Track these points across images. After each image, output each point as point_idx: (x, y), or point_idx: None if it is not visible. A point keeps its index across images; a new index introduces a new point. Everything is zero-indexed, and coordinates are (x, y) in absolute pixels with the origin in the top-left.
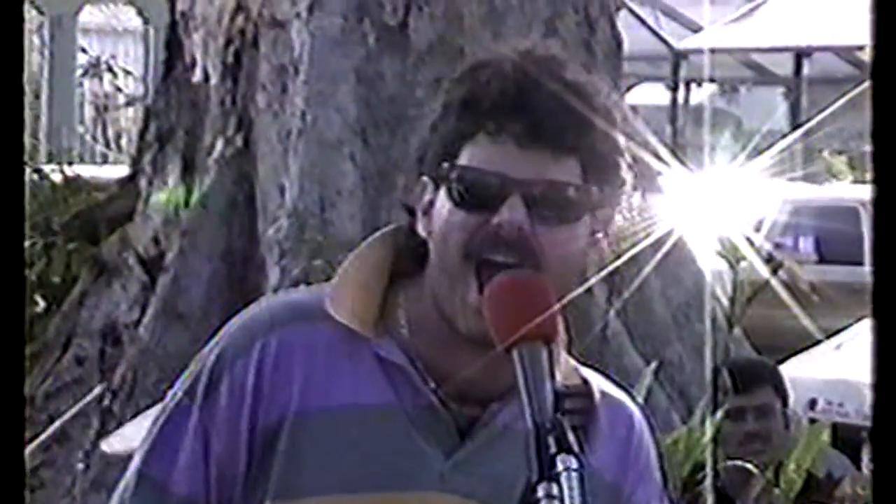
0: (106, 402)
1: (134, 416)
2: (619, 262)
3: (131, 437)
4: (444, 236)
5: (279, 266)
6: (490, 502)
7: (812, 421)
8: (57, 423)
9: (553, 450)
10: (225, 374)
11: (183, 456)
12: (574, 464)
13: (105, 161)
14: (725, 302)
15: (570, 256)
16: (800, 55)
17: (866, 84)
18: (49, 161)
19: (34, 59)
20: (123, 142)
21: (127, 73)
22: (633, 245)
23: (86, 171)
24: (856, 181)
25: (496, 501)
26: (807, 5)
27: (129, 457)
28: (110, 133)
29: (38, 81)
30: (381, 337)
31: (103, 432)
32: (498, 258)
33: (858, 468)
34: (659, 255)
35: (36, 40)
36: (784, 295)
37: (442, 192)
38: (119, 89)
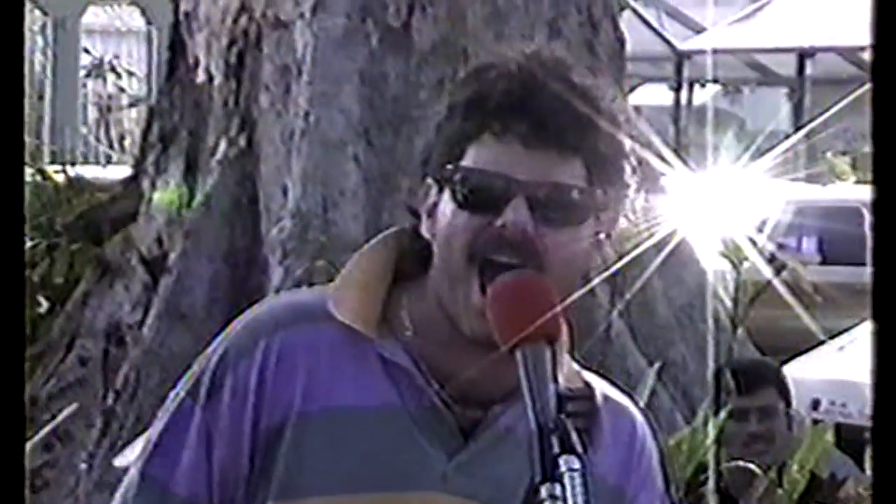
0: (109, 402)
1: (137, 416)
2: (622, 263)
3: None
4: (448, 237)
5: (282, 267)
6: None
7: (815, 422)
8: (58, 419)
9: (556, 450)
10: (228, 374)
11: (185, 456)
12: (577, 464)
13: (108, 162)
14: (728, 303)
15: (573, 258)
16: (803, 56)
17: (869, 85)
18: (52, 162)
19: (38, 59)
20: (126, 142)
21: (130, 73)
22: (636, 246)
23: (89, 171)
24: (859, 182)
25: (498, 503)
26: (810, 6)
27: None
28: (113, 134)
29: (42, 82)
30: (384, 338)
31: (106, 432)
32: (502, 259)
33: (862, 469)
34: (662, 256)
35: (39, 41)
36: (787, 295)
37: (446, 194)
38: (122, 90)
